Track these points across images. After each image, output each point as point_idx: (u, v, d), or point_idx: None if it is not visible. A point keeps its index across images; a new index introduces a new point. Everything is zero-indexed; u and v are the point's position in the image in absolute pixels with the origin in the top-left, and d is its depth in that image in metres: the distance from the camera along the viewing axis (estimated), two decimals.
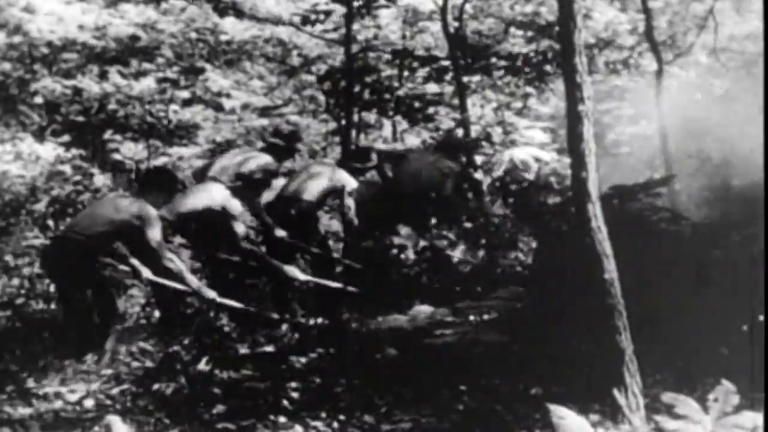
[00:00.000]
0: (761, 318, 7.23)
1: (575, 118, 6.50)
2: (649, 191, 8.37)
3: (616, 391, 6.26)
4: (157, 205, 8.64)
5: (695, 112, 14.30)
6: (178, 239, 9.42)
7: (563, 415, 5.67)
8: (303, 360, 8.09)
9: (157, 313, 9.44)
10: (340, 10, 13.12)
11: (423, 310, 7.77)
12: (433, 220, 10.89)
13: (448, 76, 13.70)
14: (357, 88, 13.25)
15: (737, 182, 11.96)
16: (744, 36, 13.58)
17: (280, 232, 9.85)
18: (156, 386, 7.47)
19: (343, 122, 13.27)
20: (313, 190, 10.22)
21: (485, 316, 7.73)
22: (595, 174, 6.48)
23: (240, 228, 9.35)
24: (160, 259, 8.47)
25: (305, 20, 13.38)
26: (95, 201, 10.38)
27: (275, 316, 9.32)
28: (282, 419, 6.84)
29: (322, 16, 13.27)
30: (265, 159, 10.05)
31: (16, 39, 13.73)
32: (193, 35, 14.47)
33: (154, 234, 8.36)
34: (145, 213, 8.37)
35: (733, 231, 8.30)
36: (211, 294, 8.67)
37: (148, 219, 8.36)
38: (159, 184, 8.89)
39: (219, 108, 14.58)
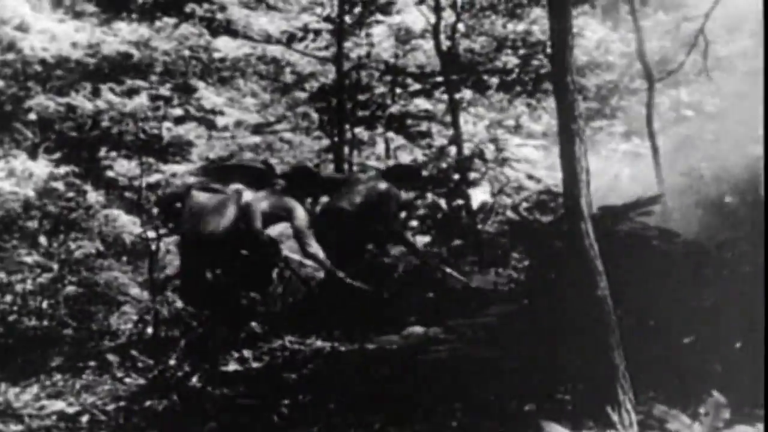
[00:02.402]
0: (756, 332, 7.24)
1: (567, 136, 6.52)
2: (639, 210, 8.38)
3: (609, 408, 6.26)
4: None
5: (687, 129, 14.37)
6: None
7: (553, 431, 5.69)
8: (295, 376, 8.09)
9: (150, 330, 9.45)
10: (330, 28, 13.19)
11: (416, 330, 7.78)
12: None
13: (441, 93, 13.77)
14: (350, 105, 13.29)
15: (729, 200, 12.02)
16: (735, 55, 13.66)
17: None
18: (148, 403, 7.47)
19: (336, 139, 13.30)
20: None
21: (478, 334, 7.74)
22: (587, 192, 6.50)
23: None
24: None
25: (291, 38, 13.44)
26: None
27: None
28: None
29: (311, 35, 13.34)
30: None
31: (10, 56, 13.75)
32: (187, 53, 14.50)
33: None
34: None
35: (724, 248, 8.33)
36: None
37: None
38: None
39: (212, 125, 14.61)
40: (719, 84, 13.63)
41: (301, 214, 9.72)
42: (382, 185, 10.38)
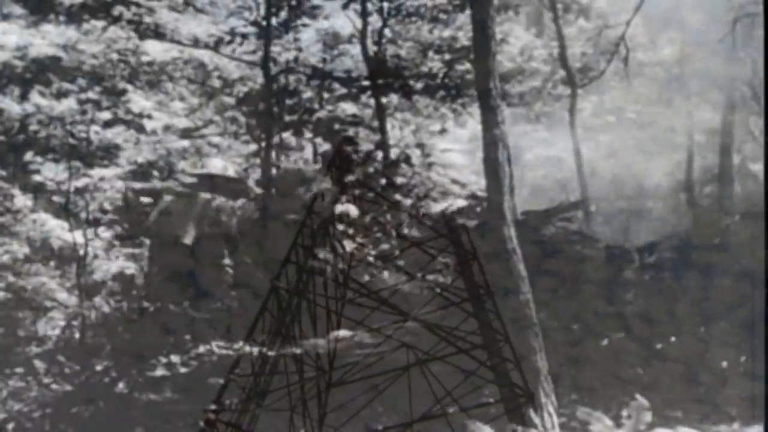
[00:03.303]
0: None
1: (490, 142, 6.63)
2: (562, 215, 8.51)
3: (531, 411, 6.36)
4: None
5: (609, 135, 14.54)
6: None
7: (479, 430, 5.78)
8: (223, 381, 8.10)
9: (77, 335, 9.40)
10: (257, 32, 13.21)
11: (342, 334, 7.82)
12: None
13: (368, 98, 13.81)
14: (277, 110, 13.29)
15: (651, 205, 12.20)
16: (655, 62, 13.84)
17: None
18: (75, 410, 7.45)
19: (264, 144, 13.29)
20: None
21: (404, 338, 7.81)
22: (509, 197, 6.60)
23: None
24: None
25: (219, 42, 13.43)
26: None
27: None
28: None
29: (238, 39, 13.34)
30: None
31: None
32: (115, 56, 14.40)
33: None
34: None
35: (646, 253, 8.48)
36: None
37: None
38: None
39: (140, 129, 14.52)
40: (640, 91, 13.82)
41: None
42: None
